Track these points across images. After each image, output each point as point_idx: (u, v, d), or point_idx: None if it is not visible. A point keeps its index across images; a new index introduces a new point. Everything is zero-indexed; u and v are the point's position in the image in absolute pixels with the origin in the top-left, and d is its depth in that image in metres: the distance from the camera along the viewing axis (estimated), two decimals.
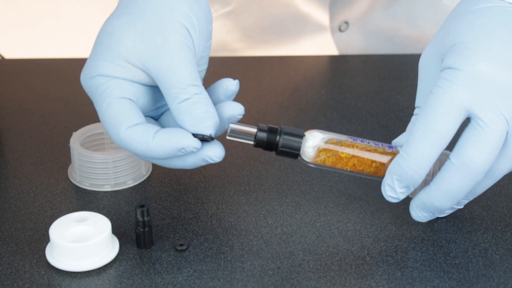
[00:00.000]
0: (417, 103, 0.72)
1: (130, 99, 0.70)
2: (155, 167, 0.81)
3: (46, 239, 0.71)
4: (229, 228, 0.73)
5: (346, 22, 1.08)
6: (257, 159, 0.82)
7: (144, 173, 0.80)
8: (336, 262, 0.69)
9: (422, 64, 0.72)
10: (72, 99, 0.92)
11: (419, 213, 0.70)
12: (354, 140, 0.71)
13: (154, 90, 0.72)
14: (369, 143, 0.71)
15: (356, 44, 1.09)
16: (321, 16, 1.07)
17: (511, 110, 0.66)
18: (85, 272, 0.68)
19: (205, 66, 0.75)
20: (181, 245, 0.70)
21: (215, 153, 0.69)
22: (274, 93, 0.94)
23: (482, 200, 0.76)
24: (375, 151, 0.70)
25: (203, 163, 0.70)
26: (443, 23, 0.72)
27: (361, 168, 0.70)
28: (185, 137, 0.68)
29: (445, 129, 0.65)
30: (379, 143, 0.71)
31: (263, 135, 0.70)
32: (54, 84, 0.96)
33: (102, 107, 0.69)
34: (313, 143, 0.70)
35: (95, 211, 0.74)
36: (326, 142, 0.70)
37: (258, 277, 0.67)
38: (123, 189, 0.78)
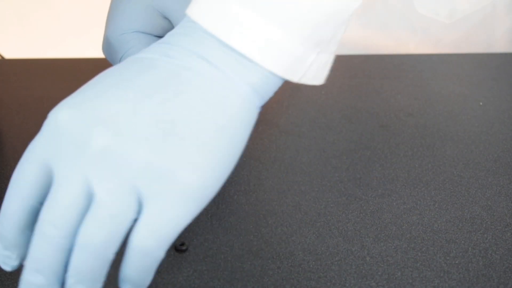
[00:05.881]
0: None
1: None
2: None
3: None
4: (229, 228, 0.73)
5: None
6: (257, 159, 0.82)
7: None
8: (336, 262, 0.69)
9: None
10: None
11: None
12: None
13: None
14: None
15: None
16: None
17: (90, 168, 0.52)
18: None
19: None
20: (181, 245, 0.70)
21: None
22: (274, 93, 0.94)
23: (482, 200, 0.76)
24: None
25: None
26: None
27: None
28: None
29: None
30: None
31: None
32: (54, 84, 0.96)
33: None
34: None
35: None
36: None
37: (258, 277, 0.68)
38: None
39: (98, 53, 1.07)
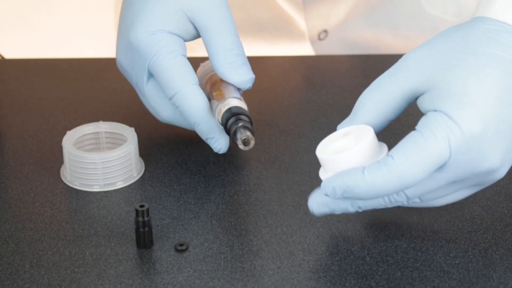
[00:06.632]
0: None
1: (185, 56, 0.77)
2: (147, 168, 0.80)
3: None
4: (229, 228, 0.73)
5: (325, 31, 1.06)
6: (257, 159, 0.82)
7: (135, 174, 0.79)
8: (336, 262, 0.69)
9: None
10: (72, 99, 0.92)
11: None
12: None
13: None
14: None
15: (337, 53, 1.07)
16: (300, 22, 1.06)
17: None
18: (84, 272, 0.68)
19: None
20: (181, 245, 0.70)
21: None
22: (274, 93, 0.94)
23: (482, 200, 0.76)
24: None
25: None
26: (434, 44, 0.68)
27: None
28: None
29: (418, 179, 0.64)
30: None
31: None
32: (54, 84, 0.96)
33: (168, 57, 0.75)
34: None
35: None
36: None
37: (258, 277, 0.67)
38: (124, 189, 0.78)
39: (98, 53, 1.07)
